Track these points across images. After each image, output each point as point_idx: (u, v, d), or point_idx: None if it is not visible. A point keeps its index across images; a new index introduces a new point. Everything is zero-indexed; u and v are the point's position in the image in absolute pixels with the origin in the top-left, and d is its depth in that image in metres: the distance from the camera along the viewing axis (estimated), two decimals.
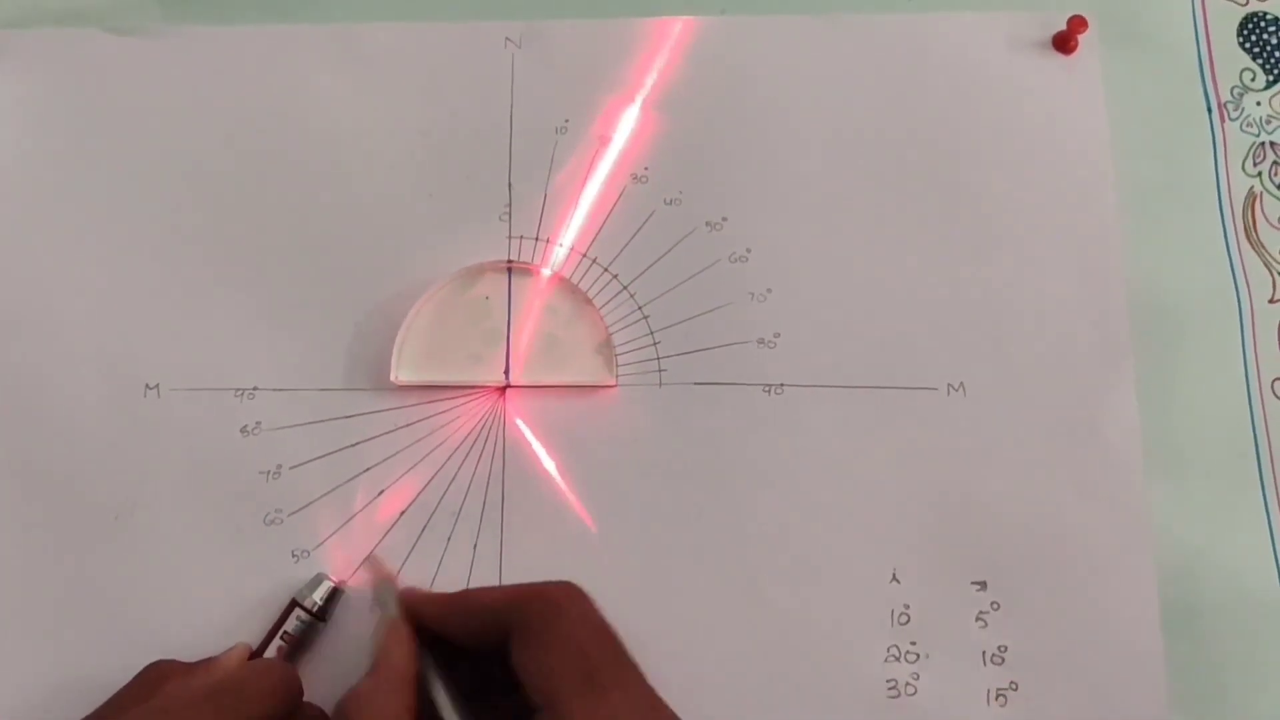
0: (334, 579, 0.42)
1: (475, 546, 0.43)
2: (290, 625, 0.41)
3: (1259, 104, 0.47)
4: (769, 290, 0.45)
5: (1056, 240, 0.46)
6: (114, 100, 0.47)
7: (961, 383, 0.44)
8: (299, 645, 0.41)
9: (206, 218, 0.46)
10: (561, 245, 0.46)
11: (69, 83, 0.47)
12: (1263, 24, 0.48)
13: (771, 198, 0.46)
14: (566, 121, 0.47)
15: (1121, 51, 0.47)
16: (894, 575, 0.43)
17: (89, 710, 0.38)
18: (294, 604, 0.41)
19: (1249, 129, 0.47)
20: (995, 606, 0.43)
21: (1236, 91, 0.48)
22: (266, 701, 0.36)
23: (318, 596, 0.41)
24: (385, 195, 0.46)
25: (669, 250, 0.46)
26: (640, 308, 0.45)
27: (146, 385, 0.44)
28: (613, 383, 0.44)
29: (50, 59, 0.47)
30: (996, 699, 0.42)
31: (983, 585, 0.43)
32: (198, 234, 0.46)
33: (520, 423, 0.44)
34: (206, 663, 0.40)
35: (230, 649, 0.41)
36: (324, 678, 0.41)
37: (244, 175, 0.46)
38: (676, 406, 0.44)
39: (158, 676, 0.39)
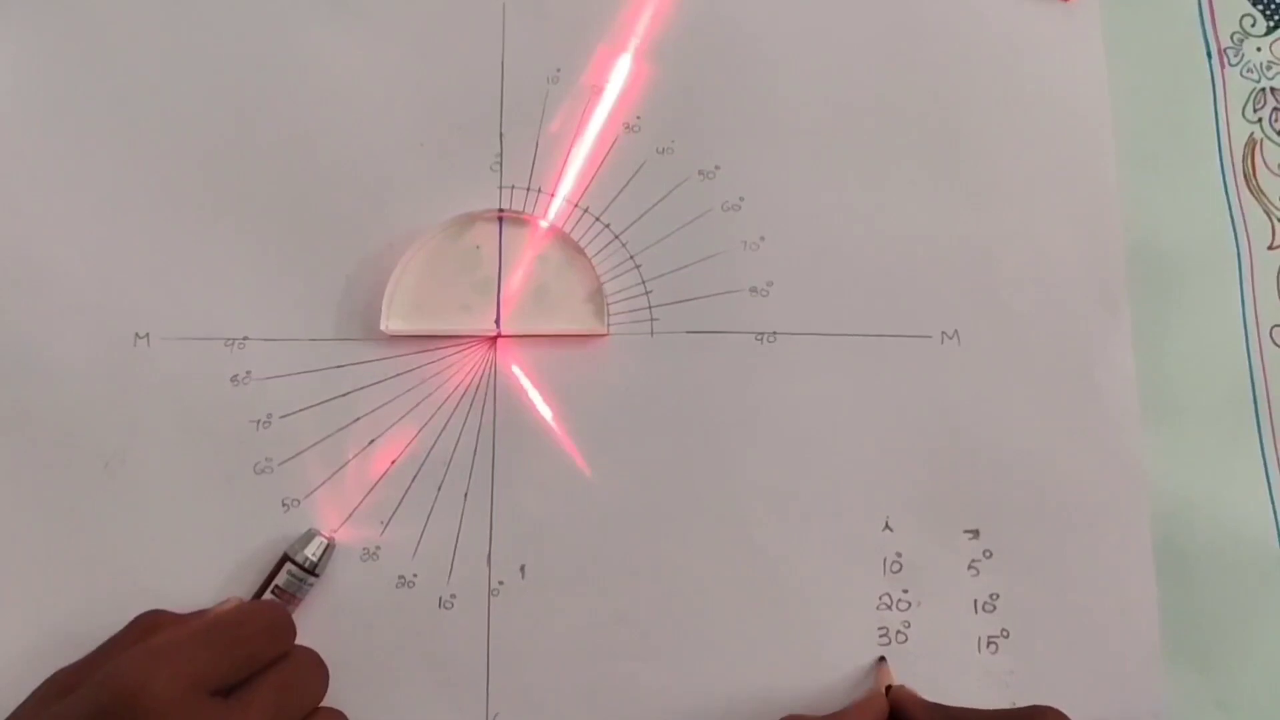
0: (326, 534, 0.42)
1: (466, 495, 0.43)
2: (281, 579, 0.41)
3: (1259, 50, 0.47)
4: (762, 238, 0.45)
5: (1054, 187, 0.45)
6: (105, 51, 0.46)
7: (956, 330, 0.44)
8: (290, 599, 0.41)
9: (197, 168, 0.45)
10: (553, 195, 0.45)
11: (59, 34, 0.46)
12: None
13: (764, 146, 0.46)
14: (558, 71, 0.46)
15: None
16: (886, 523, 0.43)
17: (77, 659, 0.38)
18: (286, 559, 0.41)
19: (1249, 75, 0.47)
20: (988, 555, 0.42)
21: (1236, 37, 0.47)
22: (260, 639, 0.37)
23: (310, 552, 0.41)
24: (376, 145, 0.46)
25: (661, 199, 0.45)
26: (632, 257, 0.45)
27: (137, 335, 0.44)
28: (604, 331, 0.44)
29: (40, 9, 0.47)
30: (988, 646, 0.42)
31: (975, 534, 0.43)
32: (188, 184, 0.45)
33: (513, 371, 0.44)
34: (199, 613, 0.40)
35: (223, 601, 0.41)
36: (315, 631, 0.41)
37: (234, 125, 0.46)
38: (668, 355, 0.44)
39: (150, 625, 0.38)
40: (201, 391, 0.43)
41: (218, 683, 0.35)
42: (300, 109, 0.46)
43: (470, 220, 0.45)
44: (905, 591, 0.42)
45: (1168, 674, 0.42)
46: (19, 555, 0.42)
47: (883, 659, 0.42)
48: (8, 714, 0.36)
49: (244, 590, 0.42)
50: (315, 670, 0.39)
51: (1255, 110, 0.46)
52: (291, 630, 0.39)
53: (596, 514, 0.43)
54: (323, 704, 0.39)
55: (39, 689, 0.36)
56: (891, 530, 0.43)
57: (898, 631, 0.42)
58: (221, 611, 0.38)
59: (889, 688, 0.40)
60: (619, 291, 0.44)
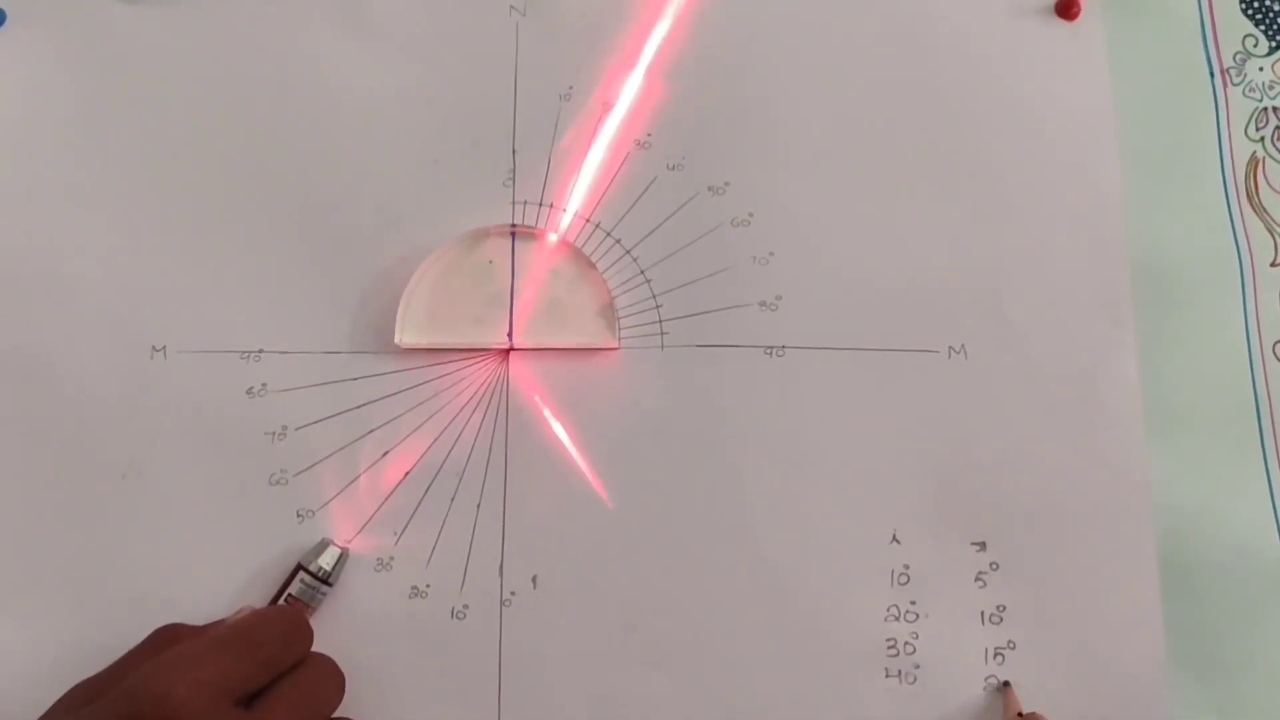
0: (339, 544, 0.42)
1: (479, 507, 0.43)
2: (295, 588, 0.41)
3: (1261, 69, 0.47)
4: (771, 253, 0.45)
5: (1059, 204, 0.46)
6: (120, 65, 0.47)
7: (963, 345, 0.45)
8: (304, 608, 0.41)
9: (213, 182, 0.46)
10: (565, 210, 0.46)
11: (76, 47, 0.47)
12: None
13: (774, 162, 0.46)
14: (570, 88, 0.47)
15: (1124, 17, 0.47)
16: (894, 536, 0.43)
17: (95, 670, 0.38)
18: (299, 568, 0.42)
19: (1251, 94, 0.47)
20: (994, 567, 0.43)
21: (1239, 57, 0.48)
22: (278, 644, 0.37)
23: (324, 561, 0.42)
24: (390, 161, 0.46)
25: (672, 215, 0.46)
26: (643, 271, 0.45)
27: (154, 347, 0.44)
28: (615, 345, 0.44)
29: (58, 23, 0.47)
30: (995, 658, 0.42)
31: (982, 546, 0.43)
32: (204, 198, 0.46)
33: (524, 385, 0.44)
34: (216, 624, 0.40)
35: (237, 612, 0.41)
36: (328, 641, 0.41)
37: (250, 140, 0.46)
38: (678, 368, 0.44)
39: (169, 638, 0.39)
40: (217, 404, 0.44)
41: (240, 689, 0.35)
42: (316, 125, 0.47)
43: (483, 235, 0.45)
44: (913, 603, 0.43)
45: (1172, 684, 0.42)
46: (36, 565, 0.43)
47: (1007, 683, 0.41)
48: None
49: (259, 600, 0.42)
50: (332, 677, 0.39)
51: (1258, 129, 0.47)
52: (308, 634, 0.39)
53: (607, 525, 0.43)
54: (337, 713, 0.39)
55: (60, 700, 0.36)
56: (899, 542, 0.43)
57: (905, 643, 0.42)
58: (238, 619, 0.39)
59: (1020, 714, 0.40)
60: (630, 305, 0.45)
